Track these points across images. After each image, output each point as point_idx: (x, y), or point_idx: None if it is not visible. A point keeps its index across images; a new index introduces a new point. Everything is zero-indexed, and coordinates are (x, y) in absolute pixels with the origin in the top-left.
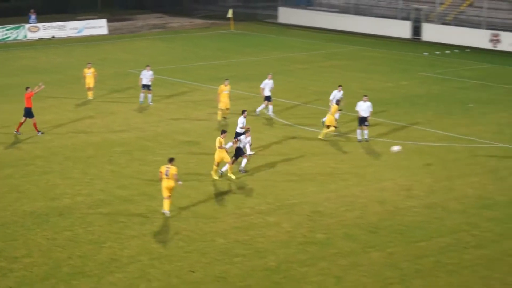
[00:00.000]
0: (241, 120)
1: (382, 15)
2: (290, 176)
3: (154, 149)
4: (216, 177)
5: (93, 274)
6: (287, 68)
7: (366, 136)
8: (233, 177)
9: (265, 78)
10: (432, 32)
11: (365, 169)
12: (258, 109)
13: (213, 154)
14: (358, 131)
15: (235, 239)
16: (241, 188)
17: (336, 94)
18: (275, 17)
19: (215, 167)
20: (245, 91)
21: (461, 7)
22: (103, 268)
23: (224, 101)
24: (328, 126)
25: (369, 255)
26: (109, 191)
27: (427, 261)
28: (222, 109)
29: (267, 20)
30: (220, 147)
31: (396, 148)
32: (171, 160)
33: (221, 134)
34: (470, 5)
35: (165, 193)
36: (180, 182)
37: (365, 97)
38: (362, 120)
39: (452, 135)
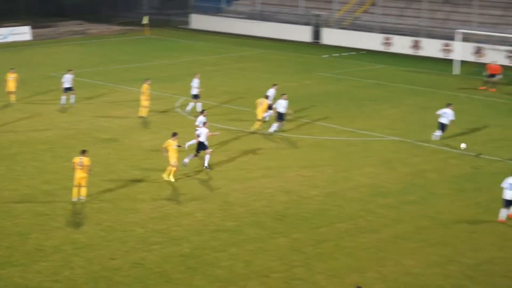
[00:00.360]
0: (200, 119)
1: (285, 20)
2: (202, 170)
3: (76, 146)
4: (169, 179)
5: (20, 263)
6: (198, 70)
7: (275, 129)
8: (173, 180)
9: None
10: (330, 36)
11: (271, 162)
12: (188, 108)
13: (132, 150)
14: (275, 124)
15: (152, 228)
16: (156, 181)
17: (272, 91)
18: (188, 23)
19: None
20: (159, 91)
21: (357, 13)
22: (29, 257)
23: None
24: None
25: (276, 241)
26: (34, 186)
27: (327, 245)
28: (144, 107)
29: (180, 26)
30: (165, 148)
31: (463, 145)
32: (83, 152)
33: (173, 136)
34: (365, 11)
35: (77, 182)
36: (91, 172)
37: (284, 95)
38: (280, 116)
39: (350, 129)
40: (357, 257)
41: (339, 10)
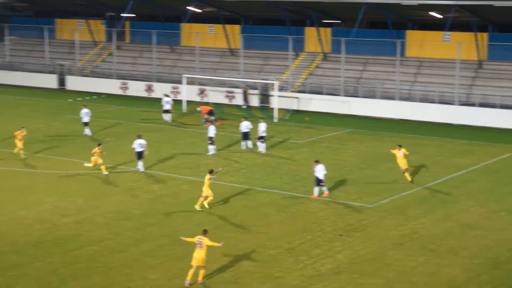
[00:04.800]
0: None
1: (33, 70)
2: None
3: None
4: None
5: None
6: None
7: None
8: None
9: None
10: (74, 83)
11: (27, 197)
12: None
13: None
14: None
15: None
16: None
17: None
18: None
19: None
20: None
21: (96, 62)
22: None
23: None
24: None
25: (34, 265)
26: None
27: (80, 266)
28: None
29: None
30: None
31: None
32: None
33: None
34: (103, 60)
35: None
36: None
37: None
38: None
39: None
40: (107, 274)
41: (80, 60)
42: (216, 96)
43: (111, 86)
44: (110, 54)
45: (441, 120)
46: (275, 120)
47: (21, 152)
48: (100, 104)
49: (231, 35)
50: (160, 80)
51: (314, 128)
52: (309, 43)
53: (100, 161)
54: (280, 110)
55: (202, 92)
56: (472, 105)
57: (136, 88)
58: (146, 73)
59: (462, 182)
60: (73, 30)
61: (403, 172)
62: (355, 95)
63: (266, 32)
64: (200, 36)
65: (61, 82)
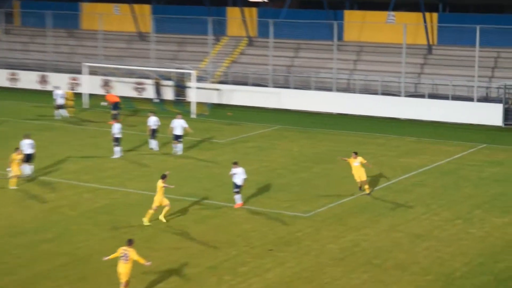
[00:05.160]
0: None
1: None
2: None
3: None
4: None
5: None
6: None
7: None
8: None
9: None
10: None
11: None
12: None
13: None
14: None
15: None
16: None
17: None
18: None
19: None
20: None
21: None
22: None
23: None
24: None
25: None
26: None
27: None
28: None
29: None
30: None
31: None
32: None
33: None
34: None
35: None
36: None
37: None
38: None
39: None
40: None
41: None
42: (123, 88)
43: None
44: None
45: (385, 114)
46: (193, 115)
47: None
48: None
49: (140, 16)
50: (56, 70)
51: (239, 124)
52: (232, 26)
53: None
54: (198, 104)
55: (106, 83)
56: (421, 96)
57: (28, 80)
58: (40, 61)
59: (411, 185)
60: None
61: (360, 186)
62: (285, 86)
63: (181, 13)
64: (104, 18)
65: None
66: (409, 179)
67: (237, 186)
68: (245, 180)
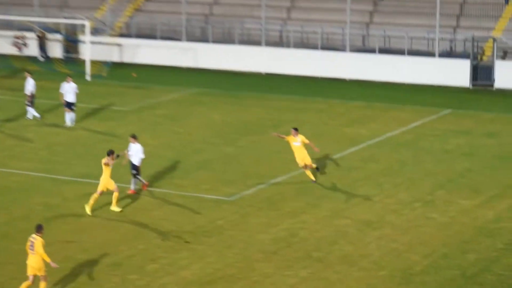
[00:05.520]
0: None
1: None
2: None
3: None
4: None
5: None
6: None
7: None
8: None
9: None
10: None
11: None
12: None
13: None
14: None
15: None
16: None
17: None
18: None
19: None
20: None
21: None
22: None
23: None
24: None
25: None
26: None
27: None
28: None
29: None
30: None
31: None
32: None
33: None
34: None
35: None
36: None
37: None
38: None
39: None
40: None
41: None
42: (0, 44)
43: None
44: None
45: (326, 74)
46: (88, 78)
47: None
48: None
49: None
50: None
51: (145, 88)
52: None
53: None
54: (94, 63)
55: None
56: (371, 51)
57: None
58: None
59: (360, 161)
60: None
61: (304, 168)
62: (203, 39)
63: None
64: None
65: None
66: (357, 154)
67: (134, 167)
68: (142, 160)
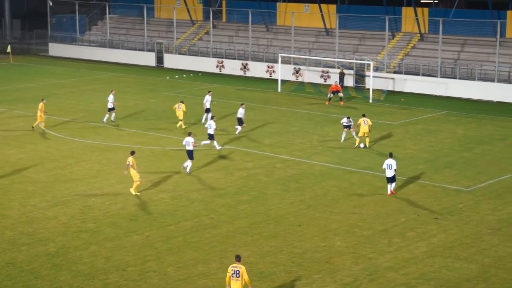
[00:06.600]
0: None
1: (132, 48)
2: (63, 177)
3: None
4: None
5: None
6: (57, 92)
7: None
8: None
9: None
10: (171, 61)
11: (123, 171)
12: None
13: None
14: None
15: (21, 231)
16: (24, 190)
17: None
18: (47, 51)
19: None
20: (23, 110)
21: (193, 41)
22: None
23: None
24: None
25: (131, 238)
26: None
27: (176, 240)
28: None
29: (40, 54)
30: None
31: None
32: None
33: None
34: (200, 39)
35: None
36: None
37: (243, 104)
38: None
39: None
40: (202, 250)
41: (178, 38)
42: (311, 75)
43: (207, 65)
44: (207, 33)
45: None
46: (370, 101)
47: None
48: (197, 82)
49: (327, 14)
50: (255, 59)
51: (410, 109)
52: (406, 23)
53: None
54: (375, 90)
55: (297, 71)
56: None
57: (232, 67)
58: (242, 51)
59: None
60: (171, 8)
61: (362, 137)
62: (452, 76)
63: (362, 11)
64: (296, 15)
65: (159, 60)
66: None
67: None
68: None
